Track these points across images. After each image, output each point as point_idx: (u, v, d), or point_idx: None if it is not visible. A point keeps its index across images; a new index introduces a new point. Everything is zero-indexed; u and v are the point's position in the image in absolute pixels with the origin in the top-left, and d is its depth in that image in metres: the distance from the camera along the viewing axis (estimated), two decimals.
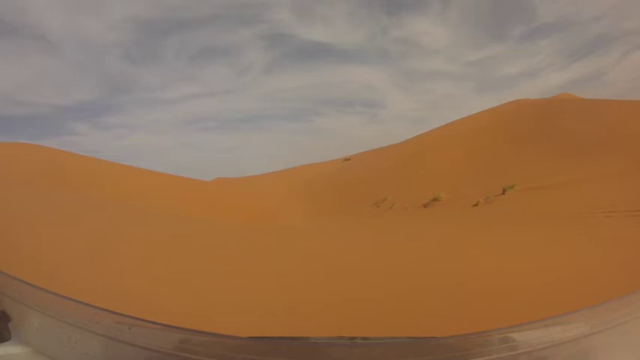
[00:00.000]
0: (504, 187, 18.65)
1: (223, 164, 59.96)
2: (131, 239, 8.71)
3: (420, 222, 15.85)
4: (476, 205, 17.58)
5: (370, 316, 4.59)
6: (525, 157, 23.82)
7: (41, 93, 55.64)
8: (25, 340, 1.16)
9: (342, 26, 68.81)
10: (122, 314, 1.17)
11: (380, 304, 5.06)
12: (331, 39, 76.67)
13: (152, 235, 9.48)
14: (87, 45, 56.07)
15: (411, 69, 75.93)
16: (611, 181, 15.64)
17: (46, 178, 18.95)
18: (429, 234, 11.30)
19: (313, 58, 76.91)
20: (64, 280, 5.15)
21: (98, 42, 59.20)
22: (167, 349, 1.18)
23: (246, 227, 16.05)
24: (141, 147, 52.45)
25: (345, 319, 4.49)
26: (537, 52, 69.39)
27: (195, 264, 7.29)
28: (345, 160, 36.89)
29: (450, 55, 76.37)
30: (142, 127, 61.99)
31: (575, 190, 15.50)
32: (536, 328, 1.10)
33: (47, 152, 25.49)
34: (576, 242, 8.02)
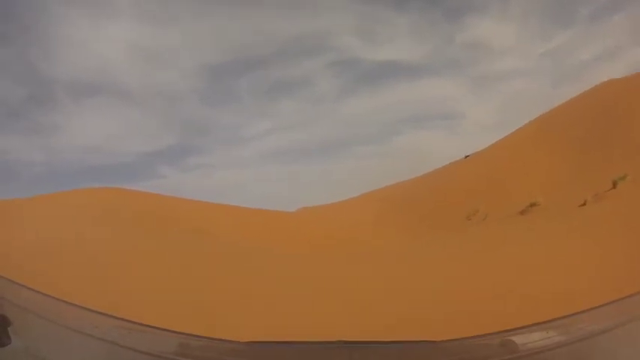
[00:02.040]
0: (614, 179, 16.16)
1: (307, 194, 62.44)
2: None
3: (522, 238, 14.23)
4: (583, 204, 15.42)
5: None
6: (629, 141, 20.49)
7: (128, 142, 64.60)
8: (25, 344, 1.18)
9: (407, 42, 68.13)
10: (121, 319, 1.23)
11: None
12: (398, 56, 76.30)
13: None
14: (166, 94, 63.84)
15: (483, 73, 72.05)
16: None
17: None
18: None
19: (383, 78, 76.88)
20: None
21: (176, 90, 67.23)
22: (166, 353, 1.22)
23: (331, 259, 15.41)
24: (224, 184, 57.35)
25: None
26: (612, 29, 61.12)
27: None
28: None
29: (519, 51, 71.44)
30: (223, 165, 67.50)
31: None
32: (536, 331, 1.09)
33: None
34: None
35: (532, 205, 18.70)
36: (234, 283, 9.02)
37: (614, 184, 15.49)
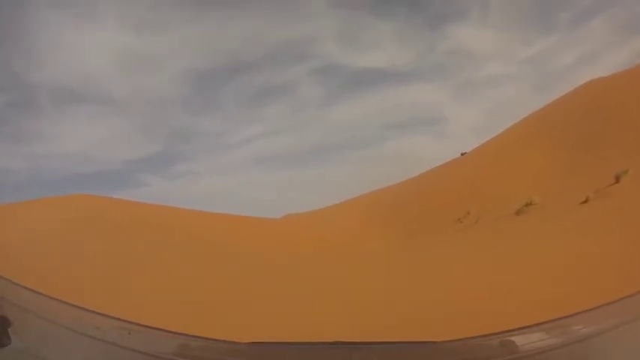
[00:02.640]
0: (616, 173, 15.74)
1: (292, 200, 62.93)
2: None
3: (519, 238, 13.25)
4: (585, 202, 15.16)
5: None
6: (622, 138, 20.13)
7: (113, 149, 64.11)
8: (25, 344, 1.19)
9: (391, 48, 69.09)
10: (122, 319, 1.23)
11: None
12: (382, 63, 77.44)
13: None
14: (151, 101, 64.10)
15: (466, 78, 73.04)
16: None
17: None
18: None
19: (368, 84, 78.11)
20: None
21: (161, 96, 67.09)
22: (166, 354, 1.23)
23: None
24: (210, 191, 57.57)
25: None
26: (591, 33, 62.03)
27: None
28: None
29: (501, 56, 72.50)
30: (209, 172, 67.62)
31: None
32: (536, 332, 1.10)
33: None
34: None
35: (528, 204, 18.07)
36: (221, 286, 9.23)
37: (617, 179, 15.10)
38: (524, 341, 1.08)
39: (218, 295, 8.51)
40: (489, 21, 65.95)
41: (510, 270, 8.12)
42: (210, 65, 70.51)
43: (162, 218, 22.03)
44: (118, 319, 1.24)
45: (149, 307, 6.42)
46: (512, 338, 1.09)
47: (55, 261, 9.93)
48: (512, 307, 5.43)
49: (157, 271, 10.70)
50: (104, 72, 62.86)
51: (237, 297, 8.33)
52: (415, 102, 78.41)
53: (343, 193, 38.43)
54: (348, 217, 30.54)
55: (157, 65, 64.02)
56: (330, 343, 1.29)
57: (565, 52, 75.61)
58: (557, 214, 14.87)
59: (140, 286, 8.67)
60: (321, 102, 73.79)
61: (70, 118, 58.53)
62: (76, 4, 54.59)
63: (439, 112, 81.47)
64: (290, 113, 71.25)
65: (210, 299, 8.08)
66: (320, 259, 17.20)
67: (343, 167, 63.45)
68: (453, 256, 12.53)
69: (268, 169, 69.09)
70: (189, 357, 1.24)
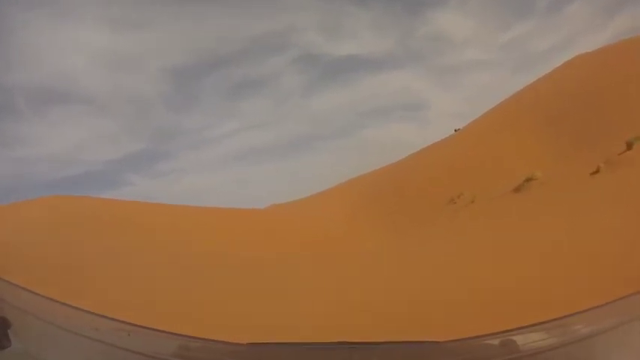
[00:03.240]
0: (628, 139, 14.17)
1: (277, 193, 63.39)
2: None
3: (520, 218, 12.11)
4: (596, 172, 13.86)
5: None
6: (626, 101, 18.56)
7: (95, 150, 64.02)
8: (25, 346, 1.19)
9: (370, 36, 68.79)
10: (121, 321, 1.24)
11: None
12: (362, 50, 77.64)
13: None
14: (131, 100, 63.97)
15: (445, 64, 73.31)
16: None
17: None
18: None
19: (348, 73, 78.29)
20: None
21: (141, 95, 66.69)
22: (166, 355, 1.23)
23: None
24: (195, 188, 57.98)
25: None
26: (568, 19, 61.68)
27: None
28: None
29: (480, 42, 72.41)
30: (192, 169, 68.28)
31: None
32: (537, 331, 1.10)
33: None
34: None
35: (528, 179, 16.65)
36: (203, 284, 9.23)
37: (630, 146, 14.02)
38: (524, 341, 1.07)
39: (203, 293, 8.36)
40: (467, 7, 65.22)
41: (511, 260, 7.33)
42: (190, 61, 70.61)
43: (144, 215, 21.85)
44: (118, 320, 1.25)
45: (125, 305, 6.34)
46: (513, 338, 1.09)
47: (31, 261, 9.90)
48: (515, 306, 4.80)
49: (137, 269, 10.87)
50: (84, 72, 62.22)
51: (224, 295, 8.20)
52: (396, 89, 78.45)
53: (329, 183, 38.42)
54: (336, 203, 29.86)
55: (136, 64, 63.67)
56: (331, 344, 1.29)
57: (541, 37, 74.92)
58: (562, 189, 13.81)
59: (120, 284, 8.72)
60: (302, 92, 73.87)
61: (52, 120, 58.53)
62: (53, 3, 53.93)
63: (420, 98, 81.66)
64: (271, 105, 71.61)
65: (192, 297, 7.99)
66: (308, 254, 16.71)
67: (326, 157, 63.88)
68: (445, 244, 11.87)
69: (252, 162, 69.83)
70: (189, 358, 1.25)
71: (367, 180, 33.51)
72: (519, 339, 1.08)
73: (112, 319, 1.25)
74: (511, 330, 1.08)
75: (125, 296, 7.46)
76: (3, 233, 15.81)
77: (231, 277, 10.36)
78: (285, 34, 71.27)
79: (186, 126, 68.69)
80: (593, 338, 1.03)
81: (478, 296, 5.62)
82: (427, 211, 20.81)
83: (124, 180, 62.52)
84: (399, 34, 72.11)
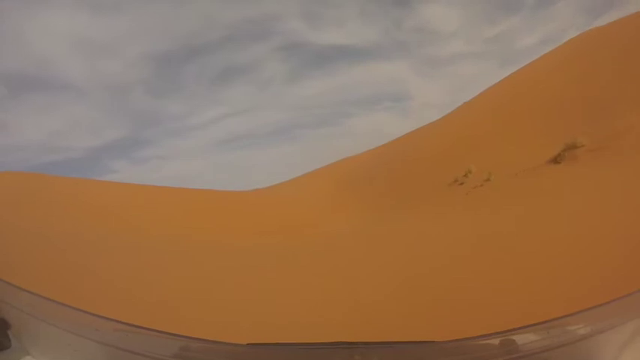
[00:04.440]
0: None
1: (261, 179, 63.75)
2: None
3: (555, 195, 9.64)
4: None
5: None
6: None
7: (75, 137, 63.40)
8: (25, 347, 1.21)
9: (355, 25, 69.10)
10: (121, 322, 1.24)
11: None
12: (347, 40, 78.16)
13: None
14: (112, 86, 63.37)
15: (431, 56, 73.95)
16: None
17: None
18: None
19: (332, 62, 78.59)
20: None
21: (122, 81, 66.50)
22: (166, 356, 1.23)
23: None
24: (178, 174, 58.29)
25: None
26: (555, 15, 62.69)
27: None
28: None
29: (467, 35, 73.01)
30: (175, 156, 68.16)
31: None
32: (537, 331, 1.11)
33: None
34: None
35: (569, 147, 12.70)
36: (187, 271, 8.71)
37: None
38: (524, 341, 1.08)
39: (164, 277, 7.95)
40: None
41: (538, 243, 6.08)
42: (172, 47, 70.55)
43: (100, 195, 21.49)
44: (118, 321, 1.25)
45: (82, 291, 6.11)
46: (513, 338, 1.09)
47: None
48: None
49: (93, 251, 10.31)
50: (61, 58, 61.52)
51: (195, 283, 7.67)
52: (381, 79, 78.70)
53: (313, 169, 38.25)
54: (322, 184, 28.80)
55: (115, 49, 63.30)
56: (331, 344, 1.30)
57: (529, 32, 75.48)
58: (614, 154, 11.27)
59: (73, 266, 8.17)
60: (286, 80, 74.05)
61: (30, 107, 57.81)
62: None
63: (404, 88, 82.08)
64: (254, 92, 71.79)
65: (148, 280, 7.53)
66: (286, 237, 16.19)
67: (309, 144, 64.06)
68: (437, 228, 10.60)
69: (235, 149, 69.96)
70: (189, 359, 1.25)
71: (355, 162, 32.80)
72: (519, 339, 1.09)
73: (113, 320, 1.26)
74: (511, 330, 1.08)
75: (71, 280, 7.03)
76: None
77: (207, 260, 10.20)
78: (269, 20, 70.86)
79: (168, 113, 68.70)
80: (593, 338, 1.04)
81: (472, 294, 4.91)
82: (423, 193, 18.45)
83: (106, 167, 62.38)
84: (385, 25, 72.68)
